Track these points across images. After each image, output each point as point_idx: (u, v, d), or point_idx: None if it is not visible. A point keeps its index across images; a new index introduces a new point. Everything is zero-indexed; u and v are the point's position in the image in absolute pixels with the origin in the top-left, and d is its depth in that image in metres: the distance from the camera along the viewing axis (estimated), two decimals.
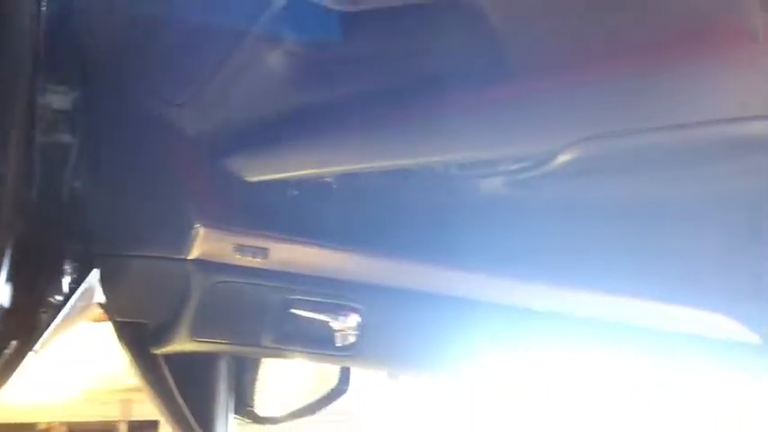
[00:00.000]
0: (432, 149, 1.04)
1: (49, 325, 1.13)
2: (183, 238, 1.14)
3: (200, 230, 1.13)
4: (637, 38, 0.92)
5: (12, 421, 4.22)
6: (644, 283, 1.07)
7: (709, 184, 1.00)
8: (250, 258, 1.15)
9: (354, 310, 1.15)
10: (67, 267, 1.17)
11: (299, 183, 1.15)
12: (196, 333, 1.17)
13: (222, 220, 1.15)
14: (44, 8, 1.09)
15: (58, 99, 1.17)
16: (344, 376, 1.51)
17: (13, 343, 1.07)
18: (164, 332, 1.17)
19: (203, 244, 1.13)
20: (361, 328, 1.15)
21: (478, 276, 1.13)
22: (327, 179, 1.15)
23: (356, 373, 1.46)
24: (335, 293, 1.16)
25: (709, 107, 0.93)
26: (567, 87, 0.95)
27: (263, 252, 1.15)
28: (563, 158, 0.97)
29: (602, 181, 1.06)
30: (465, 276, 1.15)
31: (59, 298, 1.15)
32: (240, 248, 1.15)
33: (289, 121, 1.13)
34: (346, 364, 1.27)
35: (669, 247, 1.07)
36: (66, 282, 1.17)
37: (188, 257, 1.14)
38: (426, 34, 1.00)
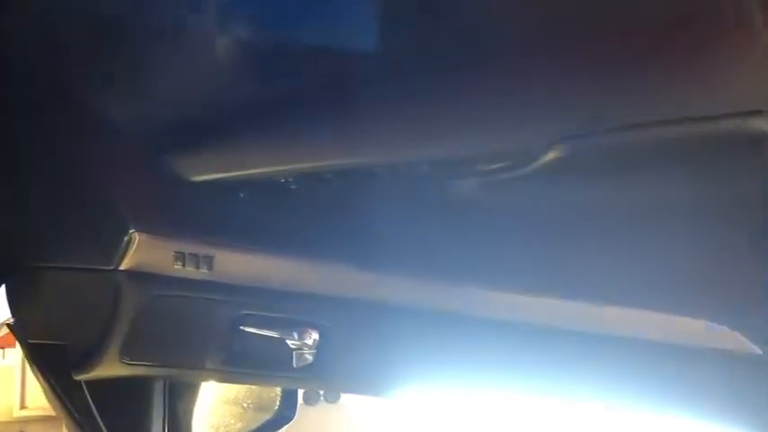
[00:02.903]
0: (402, 146, 0.93)
1: None
2: (113, 245, 0.98)
3: (135, 236, 0.97)
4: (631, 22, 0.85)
5: None
6: (635, 292, 0.99)
7: (706, 184, 0.94)
8: (193, 268, 1.01)
9: (313, 327, 1.02)
10: None
11: (251, 184, 1.02)
12: (127, 355, 1.01)
13: (160, 225, 1.00)
14: None
15: None
16: (289, 401, 1.37)
17: None
18: (88, 355, 1.01)
19: (138, 252, 0.98)
20: (320, 346, 1.02)
21: (450, 288, 1.03)
22: (282, 180, 1.02)
23: None
24: (292, 308, 1.03)
25: (708, 101, 0.87)
26: (554, 76, 0.86)
27: (209, 261, 1.01)
28: (550, 155, 0.88)
29: (587, 182, 0.98)
30: (434, 288, 1.04)
31: None
32: (181, 257, 1.00)
33: (236, 114, 1.00)
34: (304, 387, 1.12)
35: (657, 254, 1.00)
36: None
37: (119, 268, 0.98)
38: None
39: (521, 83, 0.89)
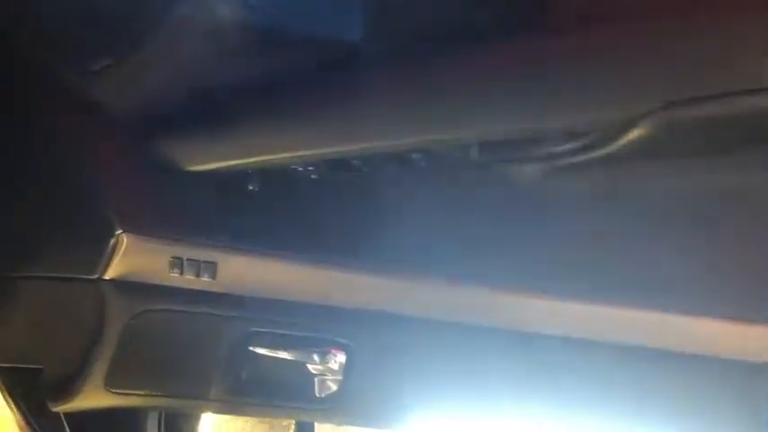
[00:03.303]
0: (448, 123, 0.75)
1: None
2: (97, 249, 0.81)
3: (123, 239, 0.80)
4: None
5: None
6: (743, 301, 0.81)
7: None
8: (193, 277, 0.83)
9: (338, 347, 0.85)
10: None
11: (262, 175, 0.85)
12: (114, 383, 0.83)
13: (153, 224, 0.82)
14: None
15: None
16: None
17: None
18: (67, 381, 0.83)
19: (127, 258, 0.81)
20: (347, 370, 0.84)
21: (504, 300, 0.85)
22: (301, 168, 0.85)
23: None
24: (312, 323, 0.85)
25: None
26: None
27: (211, 268, 0.83)
28: (635, 133, 0.70)
29: (667, 167, 0.81)
30: (483, 299, 0.86)
31: None
32: (179, 263, 0.83)
33: (239, 94, 0.83)
34: (326, 420, 0.95)
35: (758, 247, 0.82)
36: None
37: (104, 277, 0.81)
38: None
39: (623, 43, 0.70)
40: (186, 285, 0.84)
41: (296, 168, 0.84)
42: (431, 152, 0.81)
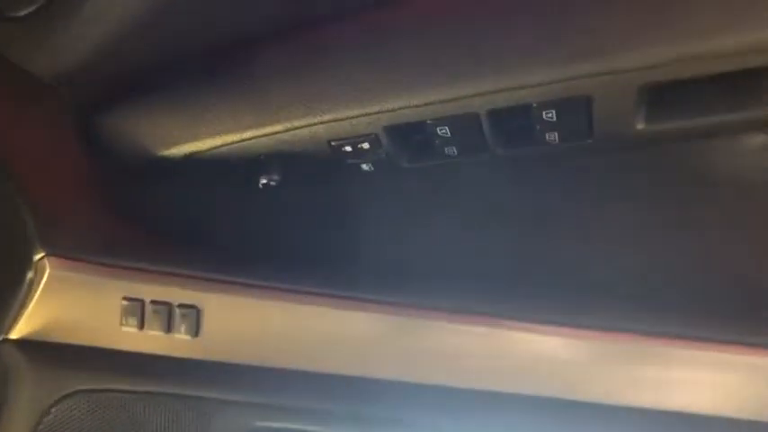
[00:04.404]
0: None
1: None
2: (4, 285, 0.48)
3: (45, 267, 0.47)
4: None
5: None
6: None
7: None
8: (159, 332, 0.49)
9: None
10: None
11: (279, 159, 0.51)
12: None
13: (94, 246, 0.49)
14: None
15: None
16: None
17: None
18: None
19: (50, 300, 0.47)
20: None
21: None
22: (332, 149, 0.51)
23: None
24: (362, 409, 0.49)
25: None
26: None
27: (192, 317, 0.49)
28: None
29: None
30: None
31: None
32: (136, 309, 0.49)
33: (214, 54, 0.51)
34: None
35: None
36: None
37: (9, 336, 0.48)
38: None
39: None
40: (148, 348, 0.50)
41: (321, 149, 0.51)
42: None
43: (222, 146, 0.50)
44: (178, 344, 0.50)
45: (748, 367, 0.47)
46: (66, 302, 0.49)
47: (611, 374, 0.49)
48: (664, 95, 0.47)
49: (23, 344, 0.49)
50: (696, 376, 0.48)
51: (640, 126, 0.48)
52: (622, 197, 0.55)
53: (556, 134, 0.48)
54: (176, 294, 0.49)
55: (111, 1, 0.47)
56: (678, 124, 0.48)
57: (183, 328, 0.49)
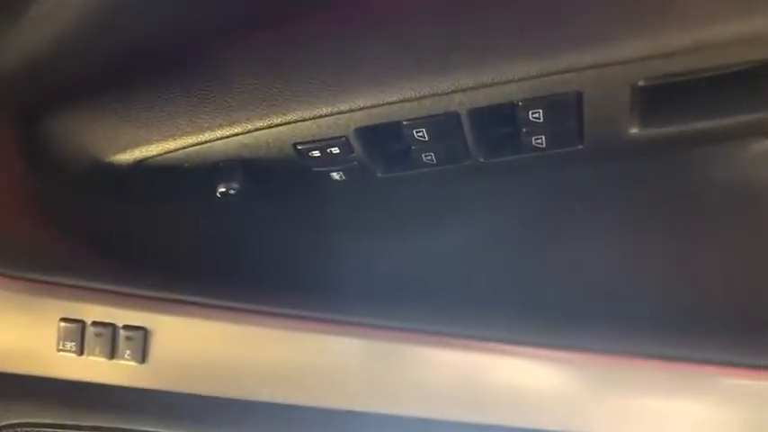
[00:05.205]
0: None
1: None
2: None
3: None
4: None
5: None
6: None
7: None
8: (102, 357, 0.44)
9: None
10: None
11: (243, 165, 0.46)
12: None
13: (30, 258, 0.44)
14: None
15: None
16: None
17: None
18: None
19: None
20: None
21: None
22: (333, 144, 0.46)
23: None
24: None
25: None
26: None
27: (138, 339, 0.44)
28: None
29: None
30: None
31: None
32: (75, 331, 0.43)
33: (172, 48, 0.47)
34: None
35: None
36: None
37: None
38: None
39: None
40: (89, 376, 0.44)
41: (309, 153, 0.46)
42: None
43: (175, 150, 0.45)
44: (123, 371, 0.44)
45: (748, 390, 0.43)
46: None
47: (607, 404, 0.44)
48: (659, 99, 0.43)
49: None
50: (692, 402, 0.44)
51: (634, 130, 0.44)
52: (614, 208, 0.51)
53: (543, 138, 0.44)
54: (121, 315, 0.44)
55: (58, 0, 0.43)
56: (674, 129, 0.44)
57: (128, 353, 0.44)
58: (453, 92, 0.41)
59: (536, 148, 0.45)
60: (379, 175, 0.48)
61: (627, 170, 0.51)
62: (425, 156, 0.46)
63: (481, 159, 0.46)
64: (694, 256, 0.49)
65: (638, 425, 0.44)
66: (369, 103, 0.42)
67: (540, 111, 0.42)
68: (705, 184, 0.51)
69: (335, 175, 0.48)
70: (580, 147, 0.45)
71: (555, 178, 0.51)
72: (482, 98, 0.41)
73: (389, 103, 0.42)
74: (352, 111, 0.43)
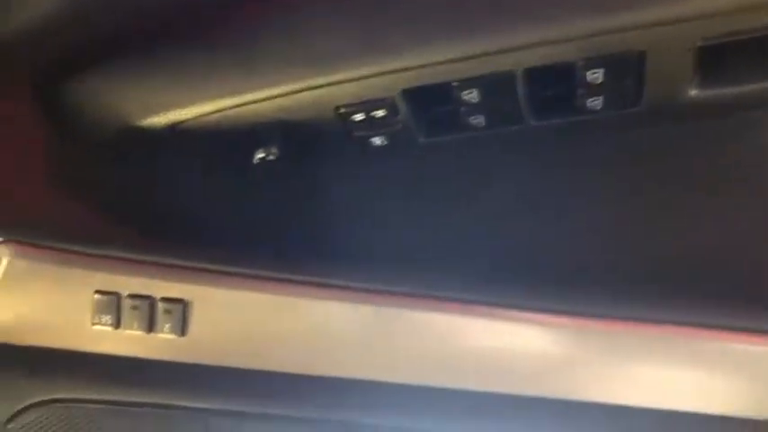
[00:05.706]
0: None
1: None
2: None
3: (4, 252, 0.40)
4: None
5: None
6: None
7: None
8: (139, 332, 0.42)
9: None
10: None
11: (282, 128, 0.44)
12: None
13: (60, 230, 0.42)
14: None
15: None
16: None
17: None
18: None
19: (8, 293, 0.40)
20: None
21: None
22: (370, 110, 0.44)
23: None
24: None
25: None
26: None
27: (177, 311, 0.42)
28: None
29: None
30: None
31: None
32: (111, 304, 0.42)
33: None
34: None
35: None
36: None
37: None
38: None
39: None
40: (126, 350, 0.43)
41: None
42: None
43: (211, 113, 0.43)
44: (161, 345, 0.43)
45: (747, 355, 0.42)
46: (27, 297, 0.42)
47: (610, 370, 0.43)
48: (719, 60, 0.41)
49: None
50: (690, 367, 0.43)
51: (693, 92, 0.41)
52: (625, 181, 0.49)
53: (600, 99, 0.42)
54: (159, 287, 0.42)
55: None
56: (733, 90, 0.42)
57: (167, 327, 0.42)
58: (509, 51, 0.39)
59: (590, 111, 0.43)
60: (422, 140, 0.46)
61: (642, 138, 0.49)
62: (474, 119, 0.44)
63: (532, 122, 0.44)
64: (710, 221, 0.48)
65: (639, 390, 0.43)
66: (418, 63, 0.40)
67: (601, 71, 0.40)
68: (732, 153, 0.49)
69: (377, 140, 0.46)
70: (637, 109, 0.43)
71: (586, 146, 0.49)
72: (541, 57, 0.39)
73: (440, 63, 0.40)
74: (399, 71, 0.40)
